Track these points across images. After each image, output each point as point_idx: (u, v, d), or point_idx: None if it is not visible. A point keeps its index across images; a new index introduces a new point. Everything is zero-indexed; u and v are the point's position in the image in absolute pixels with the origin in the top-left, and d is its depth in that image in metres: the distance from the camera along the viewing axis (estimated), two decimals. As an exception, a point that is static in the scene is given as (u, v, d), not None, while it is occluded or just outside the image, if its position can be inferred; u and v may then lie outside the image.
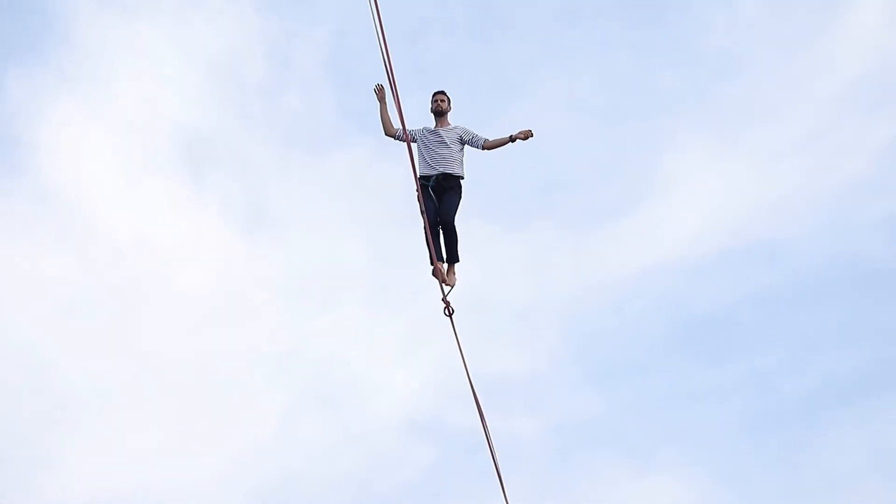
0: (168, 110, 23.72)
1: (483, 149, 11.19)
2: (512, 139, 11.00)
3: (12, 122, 22.71)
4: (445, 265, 11.12)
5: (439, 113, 11.32)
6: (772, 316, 22.62)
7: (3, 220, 22.31)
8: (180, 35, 23.83)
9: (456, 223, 11.16)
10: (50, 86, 22.94)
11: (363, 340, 21.82)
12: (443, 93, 11.39)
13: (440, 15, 23.34)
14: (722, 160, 23.88)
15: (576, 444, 20.96)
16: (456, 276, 11.13)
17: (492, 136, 11.16)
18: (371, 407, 21.43)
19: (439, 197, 11.12)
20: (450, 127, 11.30)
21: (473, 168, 11.34)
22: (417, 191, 11.02)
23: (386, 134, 11.32)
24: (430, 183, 11.13)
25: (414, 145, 11.24)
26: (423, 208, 10.99)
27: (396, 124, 11.20)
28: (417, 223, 11.06)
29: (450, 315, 10.89)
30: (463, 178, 11.24)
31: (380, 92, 11.25)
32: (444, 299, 10.95)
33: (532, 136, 10.99)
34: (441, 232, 11.15)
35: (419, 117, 11.42)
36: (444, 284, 11.01)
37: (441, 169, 11.14)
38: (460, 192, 11.21)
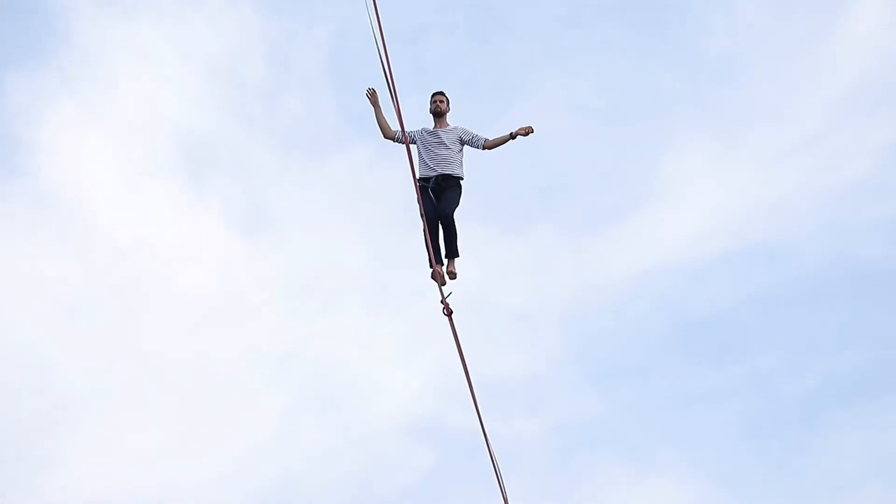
0: (168, 112, 23.75)
1: (484, 149, 11.17)
2: (512, 136, 11.00)
3: (12, 124, 22.73)
4: (445, 262, 11.11)
5: (438, 114, 11.30)
6: (772, 317, 22.63)
7: (4, 221, 22.32)
8: (180, 36, 23.86)
9: (456, 222, 11.15)
10: (50, 87, 22.97)
11: (363, 342, 21.84)
12: (442, 93, 11.37)
13: (440, 16, 23.35)
14: (722, 162, 23.90)
15: (576, 445, 20.97)
16: (456, 270, 11.11)
17: (492, 136, 11.16)
18: (371, 408, 21.44)
19: (438, 197, 11.11)
20: (449, 128, 11.28)
21: (473, 170, 11.34)
22: (417, 192, 11.00)
23: (385, 137, 11.29)
24: (430, 184, 11.12)
25: (413, 147, 11.23)
26: (423, 210, 10.99)
27: (394, 126, 11.17)
28: (417, 225, 11.06)
29: (448, 315, 10.90)
30: (462, 178, 11.22)
31: (372, 96, 11.20)
32: (442, 301, 10.95)
33: (532, 131, 10.97)
34: (441, 228, 11.13)
35: (418, 118, 11.43)
36: (442, 286, 11.01)
37: (440, 170, 11.13)
38: (460, 191, 11.18)
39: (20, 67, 22.91)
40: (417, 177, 11.13)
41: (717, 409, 21.44)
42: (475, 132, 11.22)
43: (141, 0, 23.53)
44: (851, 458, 20.40)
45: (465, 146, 11.25)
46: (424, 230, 10.96)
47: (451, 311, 10.90)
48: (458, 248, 11.13)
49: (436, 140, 11.20)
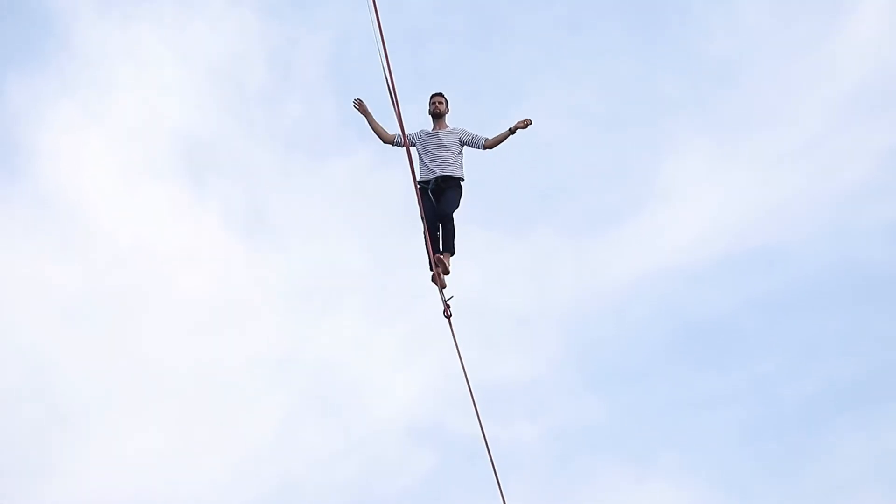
0: (168, 116, 23.76)
1: (484, 148, 11.14)
2: (512, 131, 10.95)
3: (13, 128, 22.75)
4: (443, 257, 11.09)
5: (437, 115, 11.27)
6: (772, 322, 22.64)
7: (4, 224, 22.33)
8: (181, 41, 23.87)
9: (457, 226, 11.13)
10: (50, 91, 22.98)
11: (363, 346, 21.84)
12: (441, 95, 11.34)
13: (441, 21, 23.36)
14: (722, 166, 23.91)
15: (576, 449, 20.97)
16: (450, 267, 11.08)
17: (491, 135, 11.13)
18: (371, 412, 21.45)
19: (438, 198, 11.08)
20: (448, 129, 11.25)
21: (473, 173, 11.31)
22: (417, 195, 10.97)
23: (383, 142, 11.25)
24: (430, 186, 11.10)
25: (413, 149, 11.20)
26: (423, 213, 10.97)
27: (392, 130, 11.15)
28: (417, 228, 11.05)
29: (448, 317, 10.90)
30: (463, 179, 11.20)
31: (360, 106, 11.17)
32: (444, 302, 10.95)
33: (531, 123, 10.93)
34: (440, 226, 11.10)
35: (418, 121, 11.41)
36: (443, 289, 11.01)
37: (440, 172, 11.09)
38: (460, 192, 11.13)
39: (20, 70, 22.94)
40: (417, 179, 11.11)
41: (717, 414, 21.45)
42: (475, 132, 11.18)
43: (141, 4, 23.56)
44: (851, 462, 20.40)
45: (466, 147, 11.22)
46: (424, 233, 10.95)
47: (451, 315, 10.91)
48: (455, 246, 11.10)
49: (435, 142, 11.18)
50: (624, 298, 22.67)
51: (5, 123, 22.70)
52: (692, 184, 23.78)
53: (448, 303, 10.95)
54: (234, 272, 23.14)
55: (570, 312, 22.18)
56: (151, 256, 22.89)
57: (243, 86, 23.96)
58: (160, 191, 23.36)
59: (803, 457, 20.60)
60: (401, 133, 11.00)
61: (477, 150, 11.17)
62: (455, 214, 11.09)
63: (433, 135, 11.21)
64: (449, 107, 11.32)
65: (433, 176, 11.10)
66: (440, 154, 11.13)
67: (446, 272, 10.97)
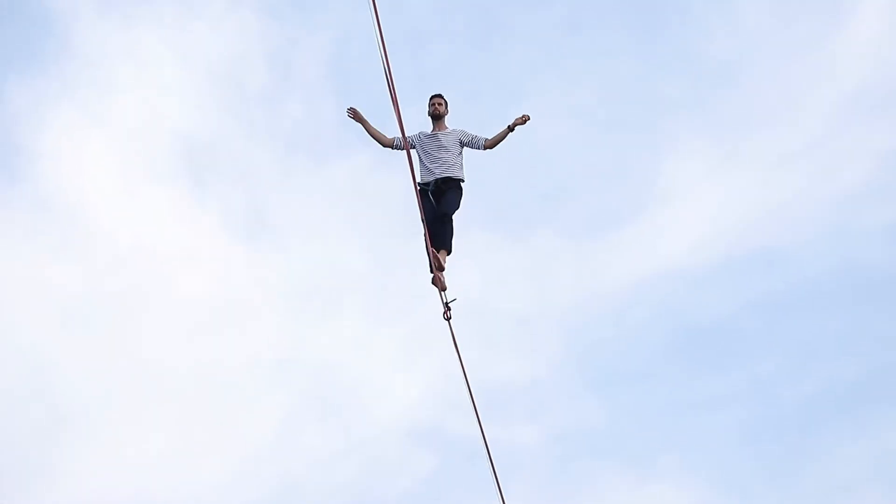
0: (169, 117, 23.77)
1: (485, 149, 11.14)
2: (511, 128, 10.94)
3: (13, 129, 22.75)
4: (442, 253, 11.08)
5: (436, 116, 11.27)
6: (772, 324, 22.64)
7: (5, 226, 22.33)
8: (181, 42, 23.88)
9: (457, 228, 11.13)
10: (51, 93, 22.99)
11: (363, 347, 21.84)
12: (440, 96, 11.34)
13: (441, 22, 23.37)
14: (722, 168, 23.91)
15: (576, 451, 20.97)
16: (446, 263, 11.06)
17: (490, 135, 11.12)
18: (371, 413, 21.45)
19: (438, 199, 11.08)
20: (448, 130, 11.25)
21: (474, 176, 11.31)
22: (418, 197, 10.96)
23: (383, 146, 11.25)
24: (430, 188, 11.10)
25: (413, 152, 11.20)
26: (423, 215, 10.96)
27: (390, 134, 11.15)
28: (417, 230, 11.05)
29: (448, 319, 10.91)
30: (463, 180, 11.20)
31: (355, 115, 11.17)
32: (446, 305, 10.95)
33: (529, 119, 10.93)
34: (440, 226, 11.08)
35: (418, 122, 11.42)
36: (443, 291, 11.01)
37: (441, 173, 11.08)
38: (461, 193, 11.12)
39: (21, 73, 22.95)
40: (418, 181, 11.10)
41: (717, 416, 21.45)
42: (474, 133, 11.18)
43: (141, 6, 23.56)
44: (851, 463, 20.40)
45: (466, 148, 11.21)
46: (425, 235, 10.94)
47: (450, 317, 10.92)
48: (453, 245, 11.08)
49: (435, 143, 11.17)
50: (624, 300, 22.69)
51: (6, 125, 22.72)
52: (692, 185, 23.80)
53: (449, 304, 10.96)
54: (234, 273, 23.16)
55: (570, 314, 22.20)
56: (152, 257, 22.91)
57: (243, 87, 23.97)
58: (160, 192, 23.38)
59: (803, 458, 20.61)
60: (399, 136, 11.00)
61: (477, 150, 11.17)
62: (455, 215, 11.09)
63: (433, 136, 11.21)
64: (448, 108, 11.31)
65: (433, 177, 11.09)
66: (440, 156, 11.13)
67: (441, 268, 10.96)
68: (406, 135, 10.94)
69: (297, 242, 22.82)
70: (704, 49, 24.23)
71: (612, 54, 24.17)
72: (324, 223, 22.40)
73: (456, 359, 10.91)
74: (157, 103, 23.69)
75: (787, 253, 23.10)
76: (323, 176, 22.75)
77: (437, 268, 10.92)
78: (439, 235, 10.96)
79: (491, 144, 11.09)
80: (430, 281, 11.01)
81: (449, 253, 11.05)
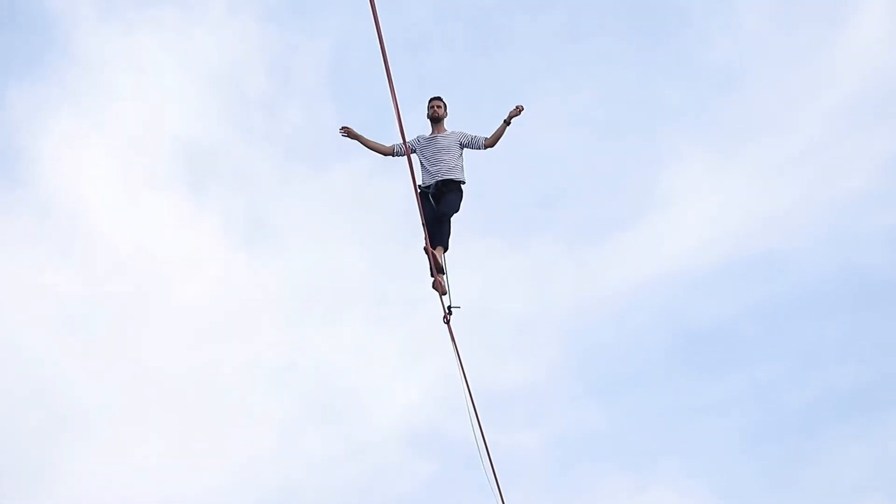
0: (169, 123, 23.80)
1: (486, 147, 11.15)
2: (507, 122, 10.95)
3: (14, 135, 22.78)
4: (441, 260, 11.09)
5: (436, 119, 11.28)
6: (772, 328, 22.65)
7: (6, 232, 22.35)
8: (181, 49, 23.91)
9: (458, 233, 11.14)
10: (51, 99, 23.02)
11: (363, 353, 21.86)
12: (439, 98, 11.35)
13: (441, 28, 23.41)
14: (722, 173, 23.94)
15: (576, 455, 20.98)
16: (443, 261, 11.06)
17: (489, 134, 11.14)
18: (371, 418, 21.46)
19: (438, 201, 11.09)
20: (447, 132, 11.25)
21: (474, 180, 11.32)
22: (418, 201, 10.97)
23: (384, 156, 11.28)
24: (431, 190, 11.11)
25: (414, 156, 11.22)
26: (423, 221, 10.97)
27: (388, 142, 11.18)
28: (417, 235, 11.06)
29: (447, 323, 10.92)
30: (464, 182, 11.21)
31: (348, 133, 11.18)
32: (448, 307, 10.97)
33: (523, 109, 10.93)
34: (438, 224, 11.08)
35: (418, 126, 11.44)
36: (443, 296, 11.02)
37: (441, 176, 11.09)
38: (461, 195, 11.13)
39: (22, 79, 22.98)
40: (419, 184, 11.12)
41: (717, 420, 21.46)
42: (473, 133, 11.19)
43: (142, 12, 23.60)
44: (851, 468, 20.41)
45: (467, 149, 11.22)
46: (425, 238, 10.96)
47: (449, 321, 10.94)
48: (449, 244, 11.08)
49: (435, 146, 11.18)
50: (624, 304, 22.70)
51: (7, 131, 22.75)
52: (692, 190, 23.82)
53: (451, 309, 10.98)
54: (234, 279, 23.17)
55: (570, 318, 22.21)
56: (152, 262, 22.93)
57: (243, 93, 24.01)
58: (161, 197, 23.40)
59: (803, 463, 20.61)
60: (398, 143, 11.04)
61: (478, 150, 11.18)
62: (454, 217, 11.10)
63: (432, 139, 11.22)
64: (447, 111, 11.34)
65: (434, 180, 11.11)
66: (440, 158, 11.14)
67: (441, 271, 10.98)
68: (405, 140, 10.96)
69: (297, 248, 22.85)
70: (705, 54, 24.28)
71: (613, 60, 24.21)
72: (324, 228, 22.43)
73: (456, 363, 10.93)
74: (158, 109, 23.74)
75: (788, 257, 23.13)
76: (323, 181, 22.78)
77: (437, 272, 10.94)
78: (437, 234, 10.98)
79: (491, 142, 11.10)
80: (431, 285, 11.03)
81: (445, 250, 11.05)
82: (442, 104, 11.30)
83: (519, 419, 21.33)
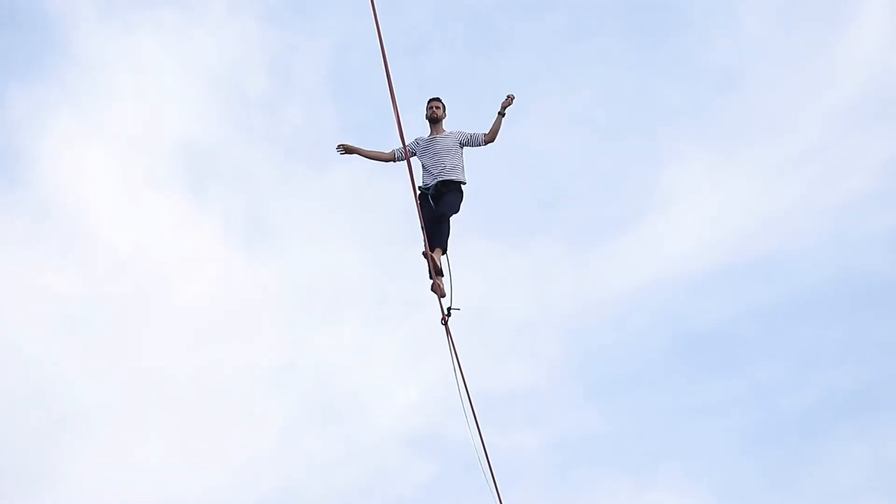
0: (169, 123, 23.77)
1: (486, 143, 11.15)
2: (502, 114, 10.97)
3: (13, 136, 22.76)
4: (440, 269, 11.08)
5: (434, 120, 11.29)
6: (772, 331, 22.62)
7: (5, 232, 22.33)
8: (181, 49, 23.88)
9: (457, 234, 11.13)
10: (51, 100, 22.99)
11: (363, 354, 21.83)
12: (438, 99, 11.36)
13: (440, 29, 23.39)
14: (723, 175, 23.91)
15: (576, 458, 20.95)
16: (440, 263, 11.05)
17: (486, 129, 11.13)
18: (371, 420, 21.42)
19: (438, 201, 11.08)
20: (445, 133, 11.25)
21: (475, 183, 11.32)
22: (417, 205, 10.97)
23: (386, 163, 11.28)
24: (430, 191, 11.11)
25: (415, 158, 11.22)
26: (423, 223, 10.96)
27: (387, 149, 11.19)
28: (417, 237, 11.05)
29: (445, 324, 10.91)
30: (464, 183, 11.19)
31: (346, 150, 11.19)
32: (446, 310, 10.96)
33: (514, 97, 10.91)
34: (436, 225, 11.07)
35: (418, 127, 11.43)
36: (442, 298, 11.01)
37: (442, 177, 11.09)
38: (461, 195, 11.12)
39: (21, 79, 22.96)
40: (419, 185, 11.13)
41: (717, 423, 21.43)
42: (471, 131, 11.18)
43: (142, 12, 23.57)
44: (852, 470, 20.39)
45: (468, 148, 11.22)
46: (424, 241, 10.95)
47: (447, 322, 10.92)
48: (447, 245, 11.07)
49: (434, 147, 11.19)
50: (624, 307, 22.67)
51: (6, 131, 22.73)
52: (692, 192, 23.79)
53: (450, 311, 10.97)
54: (234, 279, 23.15)
55: (570, 321, 22.18)
56: (152, 263, 22.90)
57: (243, 93, 23.98)
58: (160, 198, 23.37)
59: (804, 465, 20.59)
60: (397, 147, 11.07)
61: (479, 146, 11.18)
62: (453, 218, 11.08)
63: (431, 140, 11.23)
64: (446, 111, 11.34)
65: (434, 181, 11.11)
66: (440, 159, 11.14)
67: (440, 273, 10.97)
68: (405, 144, 10.97)
69: (297, 248, 22.82)
70: (705, 55, 24.25)
71: (613, 61, 24.18)
72: (324, 229, 22.40)
73: (454, 365, 10.92)
74: (158, 109, 23.71)
75: (788, 260, 23.09)
76: (323, 182, 22.74)
77: (436, 274, 10.92)
78: (436, 235, 10.96)
79: (490, 137, 11.11)
80: (430, 288, 11.01)
81: (444, 252, 11.03)
82: (441, 105, 11.31)
83: (519, 420, 21.31)
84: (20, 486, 19.74)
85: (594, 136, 23.59)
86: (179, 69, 23.84)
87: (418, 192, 11.08)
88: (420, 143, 11.26)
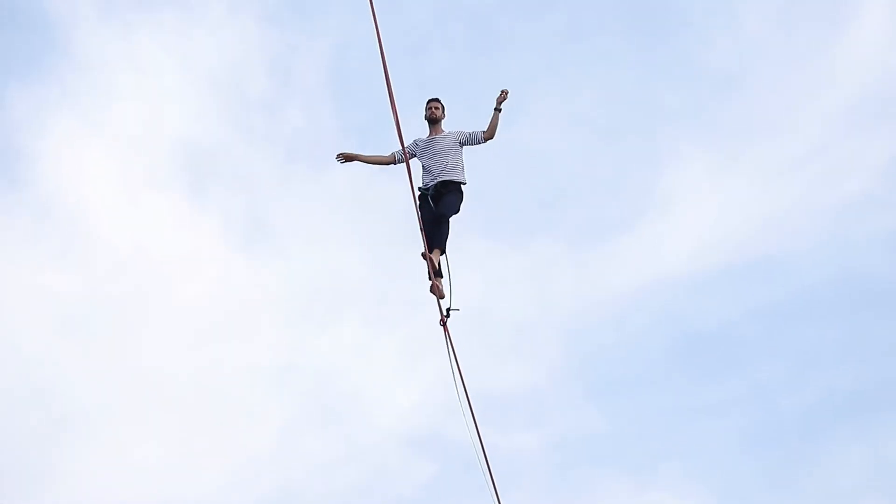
0: (169, 123, 23.78)
1: (485, 140, 11.16)
2: (498, 109, 10.99)
3: (14, 136, 22.76)
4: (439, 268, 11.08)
5: (433, 120, 11.30)
6: (772, 331, 22.62)
7: (5, 233, 22.33)
8: (181, 49, 23.89)
9: (457, 234, 11.13)
10: (51, 100, 23.00)
11: (363, 354, 21.83)
12: (437, 100, 11.37)
13: (440, 29, 23.40)
14: (722, 176, 23.91)
15: (576, 459, 20.95)
16: (438, 263, 11.05)
17: (484, 126, 11.14)
18: (371, 420, 21.42)
19: (437, 202, 11.09)
20: (444, 133, 11.26)
21: (474, 184, 11.33)
22: (416, 208, 10.97)
23: (387, 166, 11.29)
24: (430, 192, 11.11)
25: (415, 160, 11.23)
26: (422, 225, 10.95)
27: (387, 152, 11.19)
28: (417, 238, 11.05)
29: (444, 325, 10.91)
30: (464, 183, 11.20)
31: (346, 158, 11.21)
32: (447, 311, 10.96)
33: (508, 91, 10.93)
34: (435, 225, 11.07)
35: (417, 127, 11.44)
36: (441, 300, 11.01)
37: (441, 177, 11.10)
38: (461, 196, 11.13)
39: (21, 80, 22.97)
40: (419, 186, 11.14)
41: (717, 423, 21.43)
42: (470, 130, 11.19)
43: (142, 12, 23.58)
44: (852, 471, 20.39)
45: (468, 147, 11.22)
46: (423, 242, 10.95)
47: (446, 323, 10.93)
48: (446, 245, 11.06)
49: (434, 148, 11.20)
50: (624, 307, 22.67)
51: (6, 131, 22.73)
52: (692, 193, 23.79)
53: (449, 312, 10.97)
54: (234, 280, 23.15)
55: (570, 321, 22.18)
56: (152, 264, 22.90)
57: (243, 93, 23.98)
58: (160, 198, 23.38)
59: (804, 465, 20.59)
60: (397, 150, 11.08)
61: (479, 144, 11.19)
62: (453, 218, 11.08)
63: (430, 141, 11.24)
64: (445, 112, 11.35)
65: (434, 182, 11.11)
66: (439, 159, 11.15)
67: (439, 274, 10.97)
68: (404, 146, 10.98)
69: (297, 249, 22.82)
70: (705, 56, 24.25)
71: (613, 61, 24.18)
72: (324, 230, 22.40)
73: (452, 366, 10.92)
74: (158, 109, 23.71)
75: (788, 261, 23.09)
76: (323, 183, 22.73)
77: (434, 275, 10.93)
78: (435, 235, 10.97)
79: (489, 134, 11.12)
80: (429, 289, 11.01)
81: (442, 253, 11.03)
82: (440, 106, 11.32)
83: (518, 421, 21.31)
84: (20, 486, 19.75)
85: (594, 136, 23.61)
86: (179, 69, 23.86)
87: (418, 192, 11.10)
88: (419, 143, 11.27)
